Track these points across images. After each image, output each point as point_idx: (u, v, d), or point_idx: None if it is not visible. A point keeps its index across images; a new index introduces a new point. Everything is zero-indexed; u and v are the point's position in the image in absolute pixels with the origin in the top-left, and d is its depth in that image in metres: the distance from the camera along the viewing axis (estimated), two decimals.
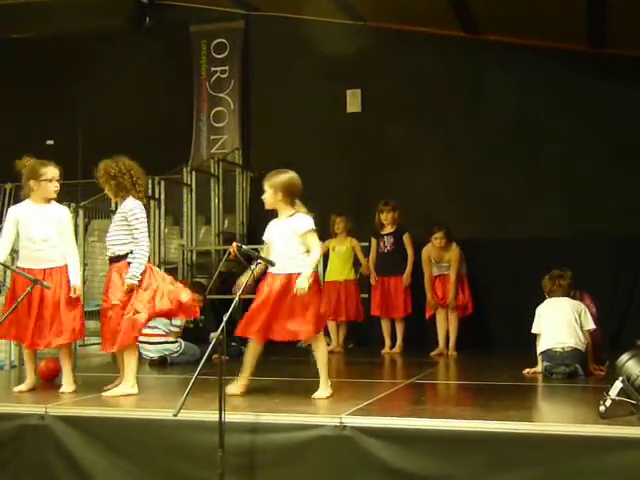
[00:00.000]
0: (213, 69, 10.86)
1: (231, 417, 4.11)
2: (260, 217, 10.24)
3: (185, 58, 10.91)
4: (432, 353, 7.78)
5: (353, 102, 10.10)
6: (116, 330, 5.25)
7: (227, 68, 10.79)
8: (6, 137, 11.09)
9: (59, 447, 4.50)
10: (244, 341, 8.32)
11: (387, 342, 8.16)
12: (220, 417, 3.99)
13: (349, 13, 9.75)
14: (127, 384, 5.25)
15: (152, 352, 7.26)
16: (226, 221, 10.08)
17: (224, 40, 10.80)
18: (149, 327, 7.27)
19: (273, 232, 5.20)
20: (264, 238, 5.28)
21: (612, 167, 8.83)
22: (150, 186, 9.15)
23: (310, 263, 5.00)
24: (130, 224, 5.30)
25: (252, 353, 5.25)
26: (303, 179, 9.47)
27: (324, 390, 5.00)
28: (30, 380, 5.58)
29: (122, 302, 5.25)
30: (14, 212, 5.50)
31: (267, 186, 5.15)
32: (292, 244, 5.05)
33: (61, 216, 5.57)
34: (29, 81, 11.11)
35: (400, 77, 9.77)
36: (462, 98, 9.52)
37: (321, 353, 5.09)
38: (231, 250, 5.10)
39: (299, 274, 4.93)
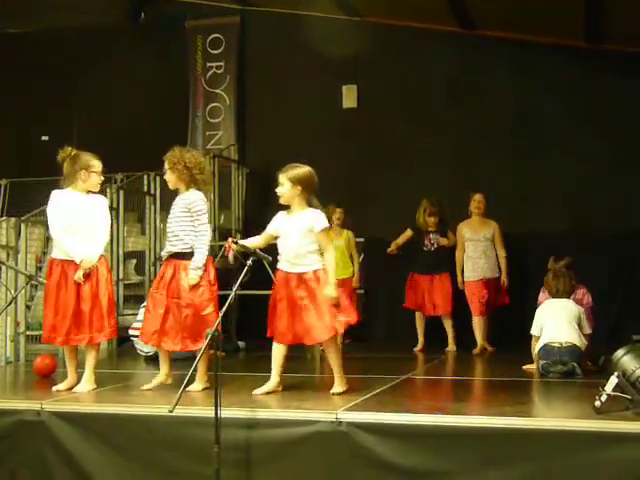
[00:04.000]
0: (209, 65, 10.84)
1: (227, 413, 4.12)
2: (256, 213, 10.30)
3: (181, 54, 10.88)
4: (474, 351, 7.64)
5: (349, 98, 10.08)
6: (196, 328, 5.13)
7: (223, 64, 10.76)
8: (0, 132, 11.07)
9: (55, 443, 4.50)
10: (240, 337, 8.35)
11: (421, 339, 8.00)
12: (216, 413, 3.99)
13: (345, 8, 9.72)
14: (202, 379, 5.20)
15: (147, 347, 7.23)
16: (222, 217, 10.07)
17: (220, 36, 10.77)
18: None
19: (284, 227, 5.02)
20: (270, 229, 5.07)
21: (610, 162, 8.83)
22: (145, 182, 9.17)
23: (331, 269, 4.89)
24: (192, 216, 5.27)
25: (277, 355, 5.06)
26: None
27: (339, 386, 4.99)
28: (71, 379, 5.37)
29: (197, 300, 5.19)
30: (60, 198, 5.34)
31: (285, 179, 4.99)
32: (306, 242, 4.95)
33: (102, 205, 5.45)
34: (23, 76, 11.07)
35: (396, 72, 9.76)
36: (458, 93, 9.51)
37: (335, 355, 5.02)
38: (226, 246, 5.09)
39: (313, 272, 4.90)
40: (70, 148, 5.48)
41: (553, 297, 6.22)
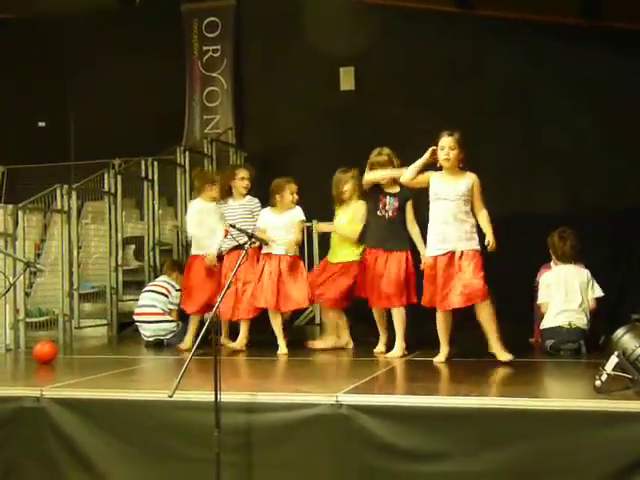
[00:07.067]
0: (205, 48, 10.80)
1: (227, 397, 4.11)
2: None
3: (177, 37, 10.82)
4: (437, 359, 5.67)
5: (347, 80, 10.04)
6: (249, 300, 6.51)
7: (219, 47, 10.72)
8: None
9: (55, 429, 4.50)
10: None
11: (383, 337, 6.28)
12: (216, 397, 3.98)
13: None
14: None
15: (148, 331, 7.24)
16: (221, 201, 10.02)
17: (216, 19, 10.72)
18: (147, 306, 7.30)
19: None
20: None
21: (608, 140, 8.80)
22: (143, 167, 9.13)
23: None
24: (253, 217, 6.67)
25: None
26: (296, 157, 9.43)
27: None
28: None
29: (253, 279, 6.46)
30: (193, 207, 7.12)
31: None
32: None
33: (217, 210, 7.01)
34: (19, 62, 11.01)
35: (393, 54, 9.71)
36: (457, 74, 9.46)
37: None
38: (225, 229, 5.11)
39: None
40: (198, 169, 7.73)
41: (558, 260, 6.23)
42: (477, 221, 5.56)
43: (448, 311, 5.50)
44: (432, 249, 5.53)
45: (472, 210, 5.54)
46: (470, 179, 5.58)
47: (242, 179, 6.80)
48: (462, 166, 5.60)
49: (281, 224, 6.46)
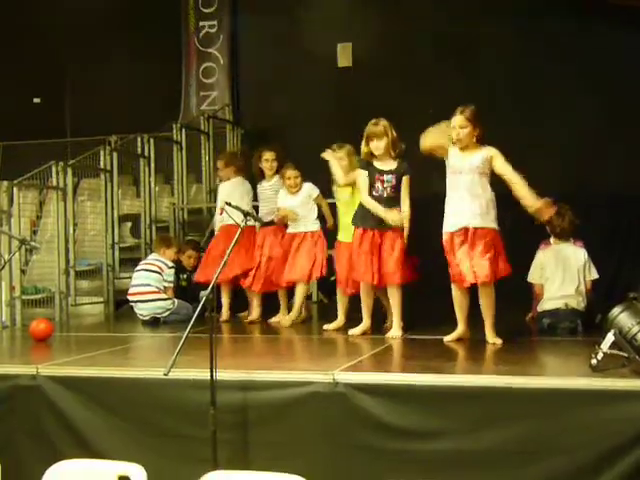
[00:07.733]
0: (201, 24, 10.69)
1: (223, 375, 4.11)
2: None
3: (173, 12, 10.72)
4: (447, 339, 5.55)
5: (344, 56, 9.97)
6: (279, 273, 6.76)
7: (215, 23, 10.61)
8: None
9: (51, 407, 4.50)
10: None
11: (367, 321, 6.02)
12: (211, 375, 3.98)
13: None
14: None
15: (145, 310, 7.22)
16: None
17: None
18: (141, 285, 7.27)
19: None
20: None
21: (608, 123, 8.72)
22: (139, 144, 9.08)
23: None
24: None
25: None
26: (293, 134, 9.39)
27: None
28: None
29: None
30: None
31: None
32: None
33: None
34: (16, 37, 10.91)
35: (392, 30, 9.60)
36: (457, 51, 9.35)
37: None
38: (220, 208, 5.06)
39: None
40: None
41: (555, 237, 6.20)
42: (514, 193, 5.32)
43: (464, 288, 5.34)
44: (447, 225, 5.35)
45: (494, 186, 5.39)
46: (487, 151, 5.36)
47: (266, 161, 7.02)
48: (479, 142, 5.36)
49: (295, 203, 6.80)
